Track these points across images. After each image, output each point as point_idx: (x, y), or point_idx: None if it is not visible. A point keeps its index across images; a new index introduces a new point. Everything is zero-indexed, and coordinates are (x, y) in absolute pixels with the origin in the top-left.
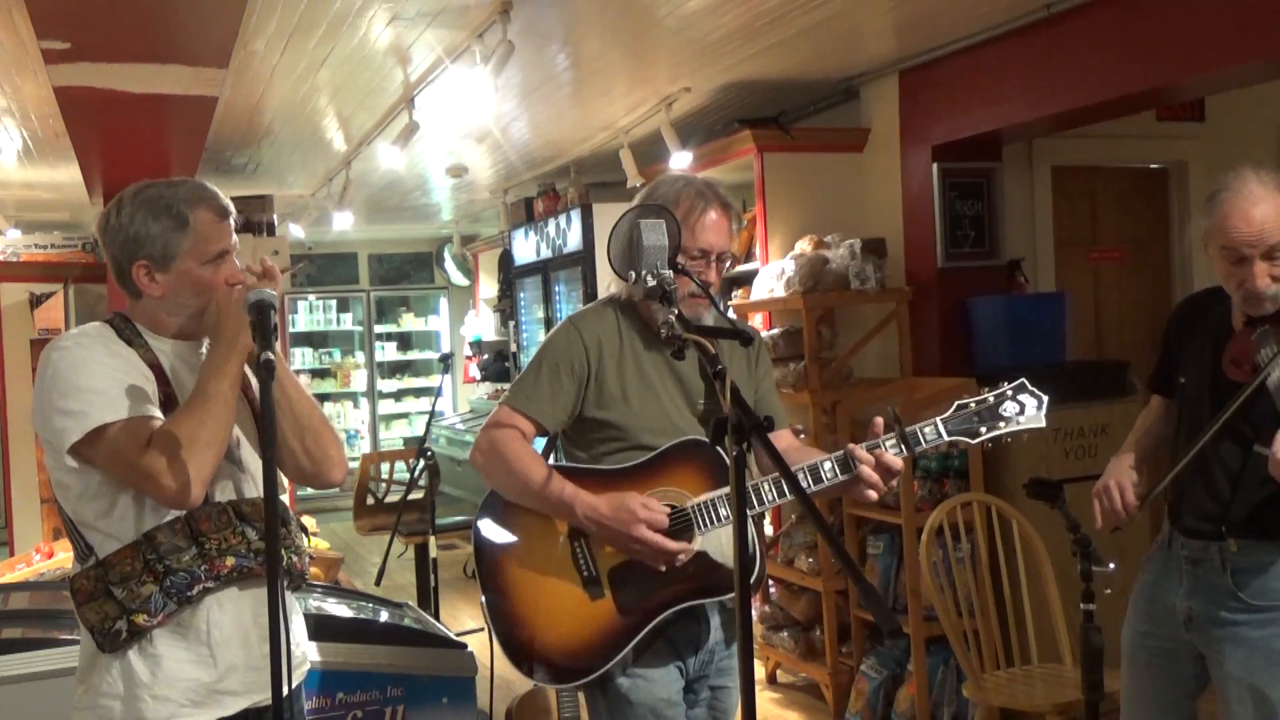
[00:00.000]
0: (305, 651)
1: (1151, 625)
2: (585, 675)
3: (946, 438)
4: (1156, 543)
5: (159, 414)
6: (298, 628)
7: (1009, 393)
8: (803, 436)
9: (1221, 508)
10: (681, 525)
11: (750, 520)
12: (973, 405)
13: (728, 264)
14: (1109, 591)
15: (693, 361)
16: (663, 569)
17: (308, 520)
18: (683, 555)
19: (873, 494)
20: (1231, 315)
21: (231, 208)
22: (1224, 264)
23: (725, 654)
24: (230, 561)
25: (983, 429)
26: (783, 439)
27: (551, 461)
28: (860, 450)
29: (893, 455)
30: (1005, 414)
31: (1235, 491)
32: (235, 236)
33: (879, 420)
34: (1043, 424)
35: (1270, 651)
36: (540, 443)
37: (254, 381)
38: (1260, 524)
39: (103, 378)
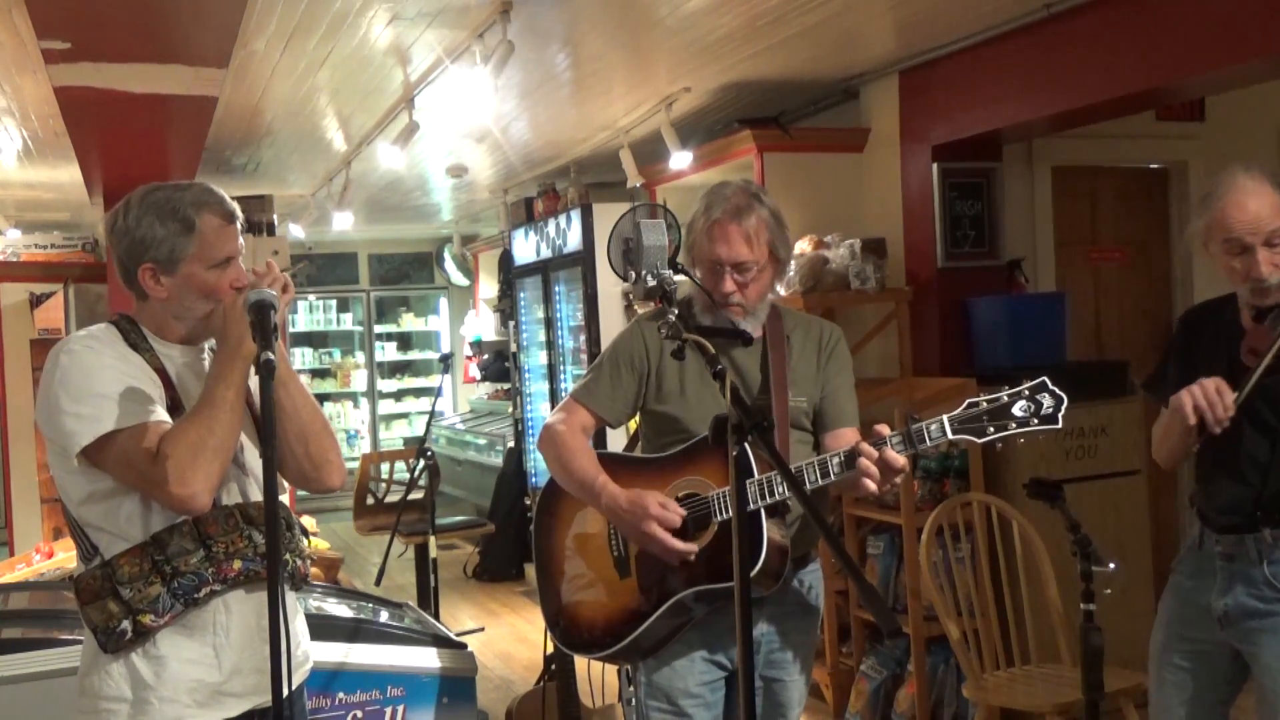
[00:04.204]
0: (307, 652)
1: (1185, 628)
2: (600, 650)
3: (951, 436)
4: (1187, 545)
5: (168, 419)
6: (300, 629)
7: (1026, 392)
8: None
9: (1253, 498)
10: (702, 513)
11: (764, 512)
12: (984, 404)
13: (752, 273)
14: (1109, 591)
15: (753, 355)
16: (675, 563)
17: (308, 521)
18: (689, 555)
19: (870, 485)
20: (1240, 316)
21: (238, 212)
22: (1227, 259)
23: (774, 646)
24: (237, 565)
25: (991, 429)
26: (842, 437)
27: (616, 450)
28: (865, 446)
29: (894, 453)
30: (1018, 414)
31: (1265, 481)
32: (242, 240)
33: (882, 427)
34: (1058, 425)
35: None
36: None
37: (253, 385)
38: None
39: (113, 382)
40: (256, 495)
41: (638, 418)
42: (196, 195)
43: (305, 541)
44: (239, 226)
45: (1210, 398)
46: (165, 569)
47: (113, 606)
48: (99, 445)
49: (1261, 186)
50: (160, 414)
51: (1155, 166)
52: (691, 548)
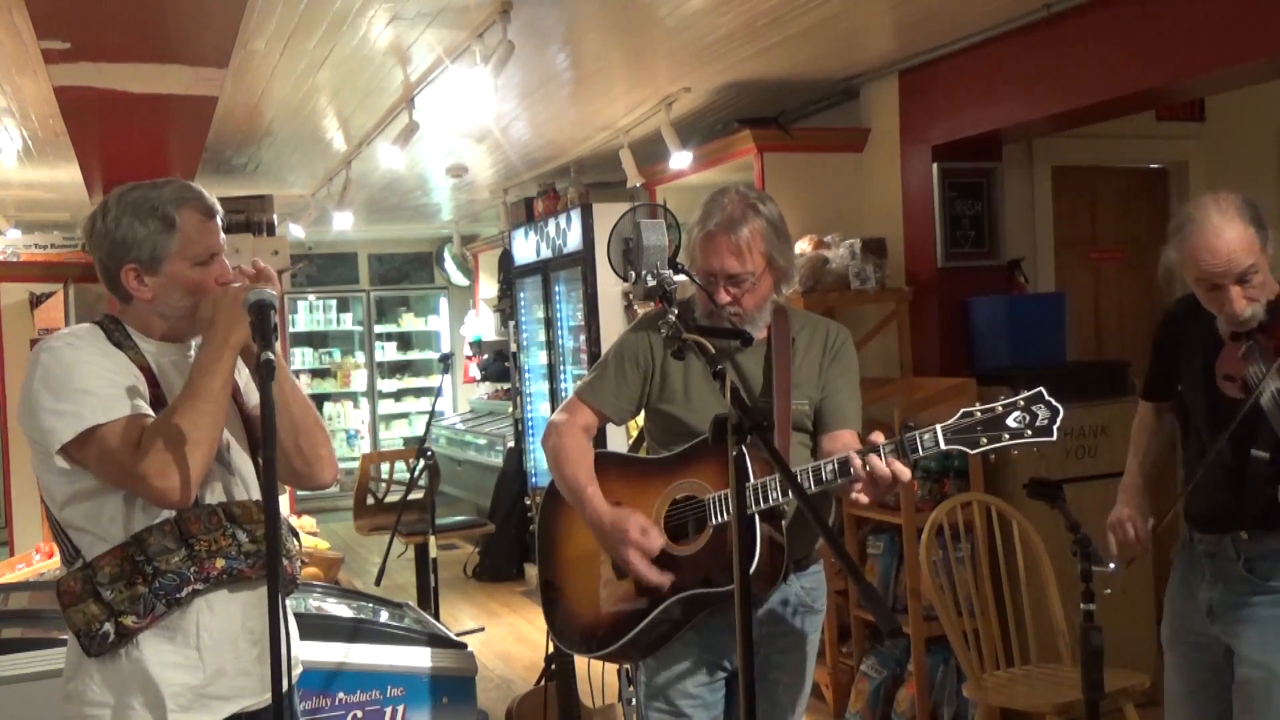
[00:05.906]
0: (296, 655)
1: (1183, 620)
2: (599, 649)
3: (944, 446)
4: (1180, 541)
5: (151, 413)
6: (290, 631)
7: (1020, 403)
8: None
9: (1229, 506)
10: (699, 517)
11: (758, 515)
12: (978, 414)
13: (747, 283)
14: (1109, 591)
15: (757, 357)
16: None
17: (308, 520)
18: (661, 586)
19: (862, 497)
20: (1217, 322)
21: (218, 207)
22: (1201, 290)
23: (774, 648)
24: (220, 564)
25: (984, 439)
26: (839, 439)
27: (621, 449)
28: (856, 459)
29: (884, 465)
30: (1012, 425)
31: (1240, 491)
32: (224, 236)
33: (878, 434)
34: (1053, 437)
35: None
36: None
37: (241, 383)
38: (1268, 519)
39: (94, 378)
40: (241, 494)
41: (641, 417)
42: (175, 192)
43: (295, 542)
44: (220, 222)
45: (1128, 539)
46: (146, 569)
47: (94, 609)
48: (80, 441)
49: (1232, 223)
50: (143, 408)
51: (1155, 166)
52: (662, 580)
